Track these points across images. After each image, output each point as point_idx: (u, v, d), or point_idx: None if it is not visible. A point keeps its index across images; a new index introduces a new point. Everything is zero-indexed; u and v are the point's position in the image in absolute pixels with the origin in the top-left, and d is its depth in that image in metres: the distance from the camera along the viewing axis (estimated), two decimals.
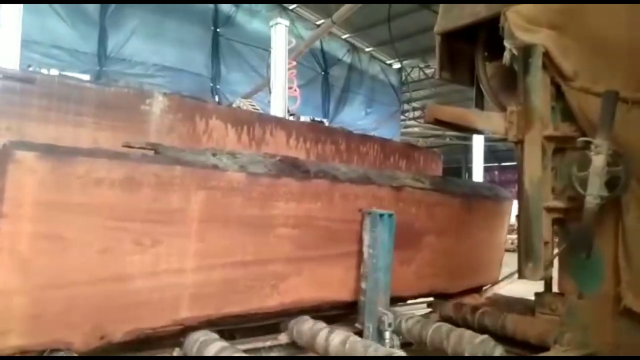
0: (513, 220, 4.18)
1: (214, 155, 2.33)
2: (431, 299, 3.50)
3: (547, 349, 2.49)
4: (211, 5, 14.26)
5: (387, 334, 2.58)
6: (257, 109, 10.78)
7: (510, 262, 3.49)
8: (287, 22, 10.45)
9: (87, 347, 1.94)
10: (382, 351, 2.20)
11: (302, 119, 10.90)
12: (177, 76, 13.06)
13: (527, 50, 2.49)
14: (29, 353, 1.84)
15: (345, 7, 10.79)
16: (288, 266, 2.54)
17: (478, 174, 17.64)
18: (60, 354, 1.87)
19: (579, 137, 2.40)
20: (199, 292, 2.24)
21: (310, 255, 2.62)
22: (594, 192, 2.24)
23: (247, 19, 15.03)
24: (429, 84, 19.40)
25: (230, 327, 2.51)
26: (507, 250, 4.08)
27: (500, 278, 3.99)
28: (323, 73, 17.22)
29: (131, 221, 2.03)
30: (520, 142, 2.58)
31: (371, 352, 2.18)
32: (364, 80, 18.67)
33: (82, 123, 2.73)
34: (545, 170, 2.51)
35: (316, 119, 12.93)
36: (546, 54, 2.46)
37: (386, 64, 19.50)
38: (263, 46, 12.41)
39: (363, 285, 2.70)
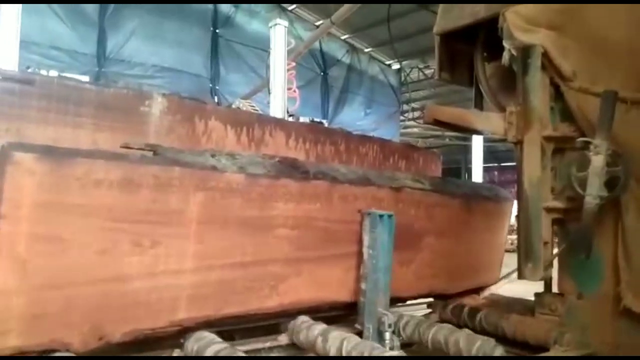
0: (513, 220, 4.18)
1: (213, 156, 2.32)
2: (431, 299, 3.50)
3: (547, 349, 2.49)
4: (210, 6, 14.25)
5: (387, 335, 2.57)
6: (257, 110, 10.79)
7: (509, 262, 3.49)
8: (286, 23, 10.45)
9: (85, 347, 1.94)
10: (381, 352, 2.20)
11: (302, 119, 10.86)
12: (176, 77, 13.05)
13: (526, 51, 2.49)
14: (28, 353, 1.83)
15: (345, 8, 10.80)
16: (287, 267, 2.53)
17: (477, 175, 17.64)
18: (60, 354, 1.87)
19: (578, 137, 2.40)
20: (197, 293, 2.24)
21: (310, 256, 2.62)
22: (593, 192, 2.24)
23: (247, 20, 15.02)
24: (428, 85, 19.43)
25: (229, 328, 2.50)
26: (507, 251, 4.08)
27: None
28: (322, 74, 17.20)
29: (130, 222, 2.02)
30: (519, 143, 2.58)
31: (371, 353, 2.17)
32: (363, 80, 18.66)
33: (81, 124, 2.73)
34: (544, 171, 2.52)
35: (315, 119, 12.87)
36: (545, 55, 2.46)
37: (385, 64, 19.49)
38: (262, 47, 12.40)
39: (363, 286, 2.70)
